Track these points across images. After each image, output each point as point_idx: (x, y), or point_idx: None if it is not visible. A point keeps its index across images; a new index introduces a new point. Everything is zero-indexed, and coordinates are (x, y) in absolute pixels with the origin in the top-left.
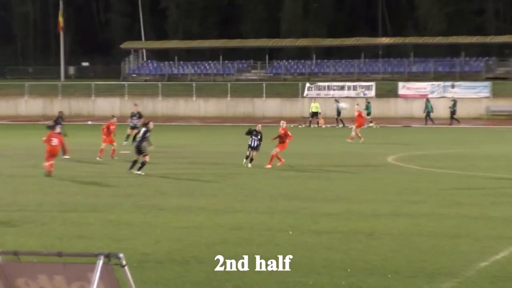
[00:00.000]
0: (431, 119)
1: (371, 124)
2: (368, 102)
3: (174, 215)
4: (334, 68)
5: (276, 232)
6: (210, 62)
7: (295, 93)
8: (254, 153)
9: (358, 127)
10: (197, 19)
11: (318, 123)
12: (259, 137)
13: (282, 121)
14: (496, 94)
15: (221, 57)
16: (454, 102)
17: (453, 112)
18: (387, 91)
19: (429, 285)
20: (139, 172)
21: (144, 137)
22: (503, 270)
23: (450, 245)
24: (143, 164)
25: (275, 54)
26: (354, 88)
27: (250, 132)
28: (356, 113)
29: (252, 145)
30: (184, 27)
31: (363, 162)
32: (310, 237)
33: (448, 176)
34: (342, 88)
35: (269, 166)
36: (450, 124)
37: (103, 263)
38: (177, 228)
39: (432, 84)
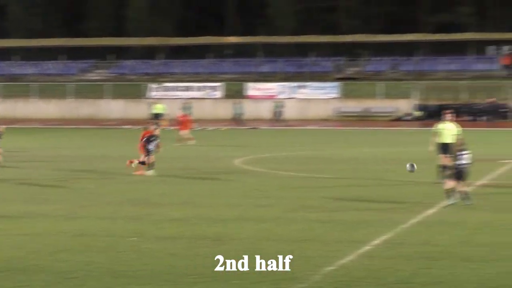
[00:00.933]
0: (241, 121)
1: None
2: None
3: (15, 222)
4: (181, 68)
5: (119, 239)
6: (52, 61)
7: (140, 94)
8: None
9: (183, 129)
10: (40, 16)
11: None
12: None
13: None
14: (345, 94)
15: (64, 56)
16: (280, 104)
17: (278, 114)
18: (235, 92)
19: None
20: None
21: None
22: (348, 275)
23: (297, 249)
24: None
25: (122, 53)
26: (201, 88)
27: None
28: (181, 117)
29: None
30: (26, 25)
31: (210, 166)
32: (155, 243)
33: (295, 179)
34: (189, 88)
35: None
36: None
37: None
38: (18, 235)
39: (281, 85)
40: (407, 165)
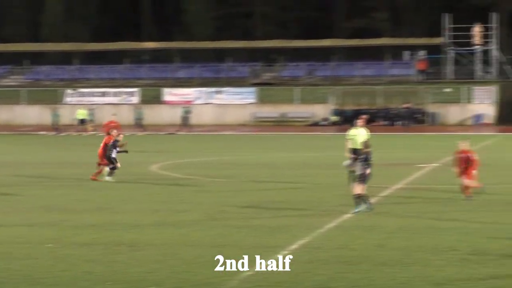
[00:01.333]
0: (141, 126)
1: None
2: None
3: None
4: (97, 73)
5: (36, 245)
6: None
7: (56, 99)
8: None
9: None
10: None
11: (86, 130)
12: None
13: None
14: (262, 100)
15: None
16: (188, 109)
17: (185, 119)
18: (152, 98)
19: None
20: None
21: None
22: (266, 280)
23: (215, 255)
24: None
25: (38, 59)
26: (117, 94)
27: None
28: (111, 122)
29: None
30: None
31: (127, 171)
32: (71, 250)
33: (213, 184)
34: (104, 94)
35: None
36: (179, 130)
37: None
38: None
39: (197, 90)
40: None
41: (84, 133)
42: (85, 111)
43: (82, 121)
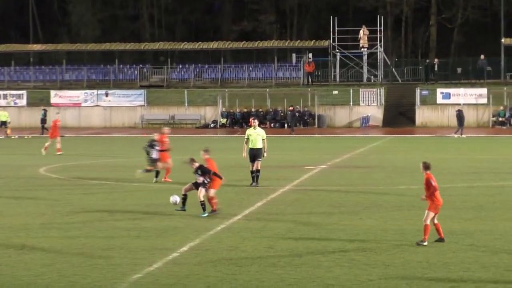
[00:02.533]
0: (46, 128)
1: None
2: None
3: None
4: None
5: None
6: None
7: None
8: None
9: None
10: None
11: (6, 133)
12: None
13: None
14: (150, 102)
15: None
16: (44, 111)
17: (43, 121)
18: (39, 100)
19: None
20: None
21: None
22: (156, 282)
23: (103, 258)
24: None
25: None
26: (5, 96)
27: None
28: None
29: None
30: None
31: (14, 174)
32: None
33: (101, 186)
34: None
35: None
36: (41, 133)
37: None
38: None
39: (86, 93)
40: (171, 198)
41: (1, 136)
42: (6, 113)
43: (3, 123)
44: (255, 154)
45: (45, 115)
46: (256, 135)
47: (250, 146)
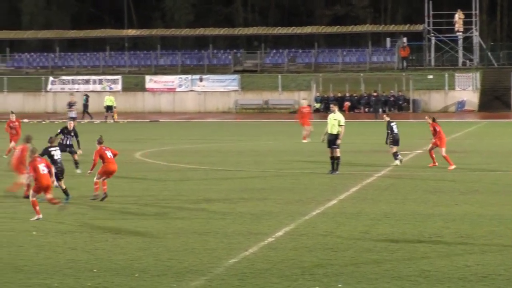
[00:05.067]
0: (89, 114)
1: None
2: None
3: None
4: (78, 61)
5: (19, 233)
6: None
7: (38, 87)
8: None
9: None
10: None
11: (113, 117)
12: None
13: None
14: (244, 87)
15: None
16: (86, 97)
17: (85, 107)
18: (134, 85)
19: (178, 283)
20: None
21: None
22: (252, 267)
23: (199, 242)
24: None
25: (17, 46)
26: (100, 81)
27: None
28: (303, 108)
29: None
30: None
31: None
32: (55, 237)
33: (196, 171)
34: (87, 82)
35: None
36: (82, 118)
37: None
38: None
39: (180, 78)
40: None
41: (110, 121)
42: (112, 98)
43: (109, 108)
44: (330, 140)
45: (87, 100)
46: (334, 120)
47: (328, 131)
